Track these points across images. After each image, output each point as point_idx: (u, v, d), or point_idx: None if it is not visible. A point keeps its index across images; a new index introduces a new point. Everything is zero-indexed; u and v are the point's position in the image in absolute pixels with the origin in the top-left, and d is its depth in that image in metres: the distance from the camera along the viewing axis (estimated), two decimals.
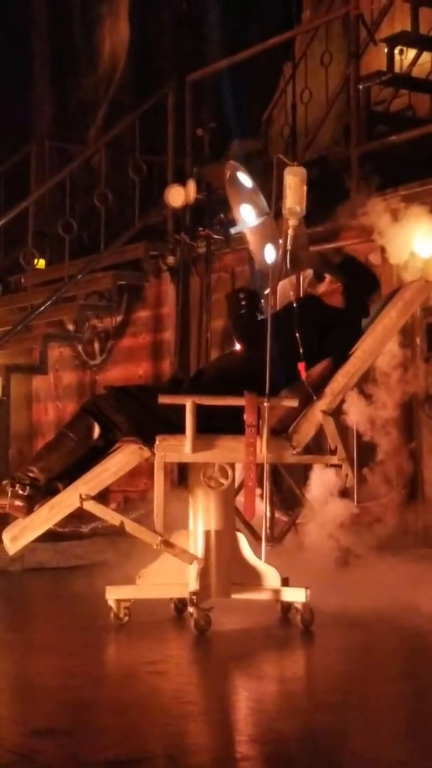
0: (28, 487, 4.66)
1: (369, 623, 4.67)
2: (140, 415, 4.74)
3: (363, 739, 2.96)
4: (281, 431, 4.80)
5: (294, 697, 3.55)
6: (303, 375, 4.77)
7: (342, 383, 4.83)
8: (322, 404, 4.79)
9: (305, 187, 4.89)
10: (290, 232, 4.94)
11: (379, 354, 5.09)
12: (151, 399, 4.71)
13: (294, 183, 4.88)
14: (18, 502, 4.67)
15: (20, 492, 4.66)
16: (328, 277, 5.09)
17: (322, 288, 5.09)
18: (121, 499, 8.23)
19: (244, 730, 3.13)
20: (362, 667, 4.03)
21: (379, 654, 4.24)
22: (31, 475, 4.70)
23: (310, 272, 7.35)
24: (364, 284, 5.17)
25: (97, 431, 4.74)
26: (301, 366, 4.76)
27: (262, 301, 5.77)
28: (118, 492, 8.11)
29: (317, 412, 4.79)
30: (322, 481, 6.51)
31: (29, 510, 4.67)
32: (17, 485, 4.66)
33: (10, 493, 4.67)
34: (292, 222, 4.93)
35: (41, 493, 4.69)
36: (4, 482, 4.73)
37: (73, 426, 4.80)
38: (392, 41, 8.30)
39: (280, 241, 5.28)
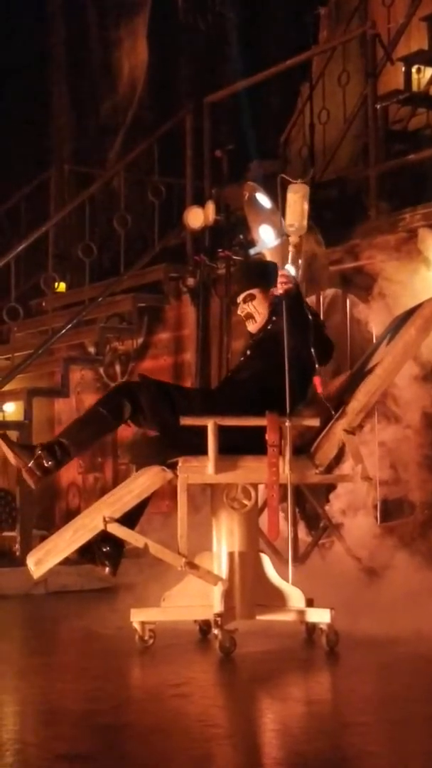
0: (52, 462, 4.72)
1: (395, 644, 4.64)
2: (168, 417, 4.77)
3: (389, 761, 2.93)
4: (301, 448, 4.79)
5: (320, 719, 3.53)
6: (320, 389, 4.78)
7: (363, 401, 4.81)
8: (343, 423, 4.78)
9: (306, 203, 4.87)
10: (291, 249, 4.93)
11: (399, 371, 5.06)
12: (183, 401, 4.78)
13: (293, 200, 4.86)
14: (36, 471, 4.73)
15: (44, 464, 4.72)
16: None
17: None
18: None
19: (269, 753, 3.10)
20: (388, 689, 4.00)
21: (405, 675, 4.21)
22: (63, 446, 4.75)
23: (330, 292, 7.38)
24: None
25: (128, 411, 4.81)
26: (317, 380, 4.77)
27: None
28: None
29: (339, 431, 4.77)
30: (345, 500, 6.49)
31: (39, 481, 4.74)
32: (44, 458, 4.72)
33: (35, 459, 4.72)
34: (292, 239, 4.92)
35: (63, 465, 4.78)
36: (37, 445, 4.79)
37: (106, 404, 4.87)
38: (409, 60, 8.31)
39: (301, 262, 5.28)
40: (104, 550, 4.79)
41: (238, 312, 5.22)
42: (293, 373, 4.73)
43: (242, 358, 5.18)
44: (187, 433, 4.73)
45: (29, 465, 4.73)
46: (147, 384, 4.91)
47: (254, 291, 5.13)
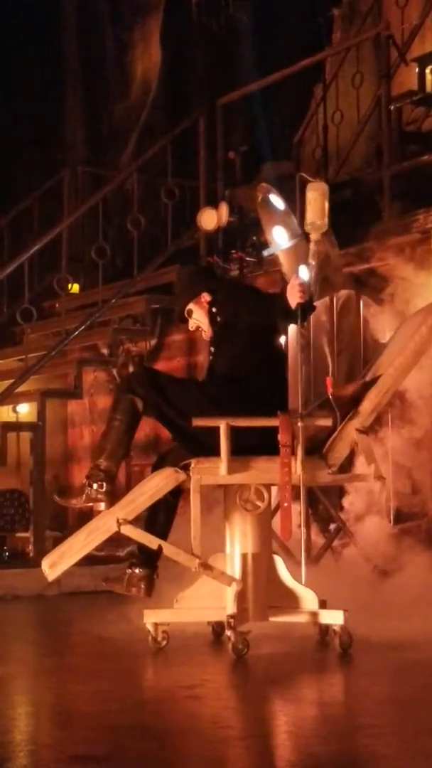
0: (104, 484, 4.86)
1: (408, 646, 4.62)
2: (164, 407, 4.87)
3: (403, 764, 2.93)
4: (312, 450, 4.79)
5: (333, 721, 3.52)
6: (330, 390, 4.83)
7: (375, 401, 4.81)
8: (356, 423, 4.77)
9: (327, 202, 4.88)
10: (312, 246, 4.94)
11: (411, 371, 5.05)
12: (175, 391, 4.89)
13: (314, 197, 4.87)
14: (100, 498, 4.87)
15: (99, 490, 4.86)
16: None
17: None
18: None
19: (282, 755, 3.10)
20: (402, 691, 3.99)
21: (419, 677, 4.20)
22: (102, 468, 4.88)
23: (344, 293, 7.37)
24: None
25: (140, 403, 4.90)
26: (329, 381, 4.85)
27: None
28: None
29: (351, 431, 4.77)
30: (359, 501, 6.49)
31: (112, 503, 4.84)
32: (94, 485, 4.86)
33: (88, 494, 4.87)
34: (313, 236, 4.92)
35: (114, 480, 4.93)
36: (83, 482, 4.94)
37: (117, 408, 4.96)
38: (423, 61, 8.30)
39: (314, 263, 5.28)
40: (137, 572, 4.87)
41: (190, 328, 5.37)
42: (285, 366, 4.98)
43: (211, 357, 5.25)
44: (184, 423, 4.82)
45: (89, 502, 4.90)
46: (139, 376, 5.06)
47: (189, 306, 5.29)
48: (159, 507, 4.92)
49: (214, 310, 5.21)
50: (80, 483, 5.02)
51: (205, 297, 5.24)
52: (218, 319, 5.21)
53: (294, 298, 4.83)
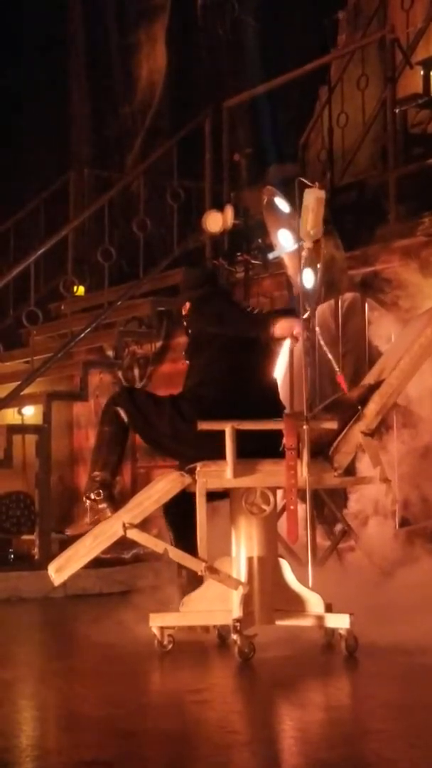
0: (102, 492, 4.90)
1: (415, 649, 4.62)
2: (143, 425, 4.97)
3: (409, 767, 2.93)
4: (317, 452, 4.79)
5: (339, 726, 3.52)
6: (344, 387, 4.87)
7: (380, 403, 4.81)
8: (361, 425, 4.77)
9: (322, 209, 4.89)
10: (304, 254, 4.95)
11: (416, 373, 5.05)
12: (152, 413, 4.95)
13: (314, 205, 4.87)
14: (102, 507, 4.90)
15: (97, 499, 4.91)
16: None
17: None
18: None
19: (288, 760, 3.10)
20: (408, 695, 3.99)
21: (425, 681, 4.19)
22: (97, 480, 4.93)
23: (349, 296, 7.37)
24: None
25: (125, 416, 4.98)
26: (341, 378, 4.89)
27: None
28: (159, 517, 8.10)
29: (357, 434, 4.77)
30: (364, 503, 6.49)
31: (116, 508, 4.86)
32: (92, 495, 4.91)
33: (91, 508, 4.91)
34: (306, 245, 4.94)
35: (113, 489, 4.99)
36: (84, 500, 4.99)
37: (105, 421, 5.05)
38: (428, 64, 8.29)
39: (319, 266, 5.28)
40: None
41: None
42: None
43: (187, 370, 5.30)
44: (166, 438, 4.94)
45: (96, 516, 4.92)
46: (120, 395, 5.13)
47: (183, 312, 5.40)
48: (180, 531, 4.97)
49: (185, 324, 5.26)
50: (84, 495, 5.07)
51: (185, 307, 5.28)
52: (189, 331, 5.25)
53: (285, 334, 4.91)
